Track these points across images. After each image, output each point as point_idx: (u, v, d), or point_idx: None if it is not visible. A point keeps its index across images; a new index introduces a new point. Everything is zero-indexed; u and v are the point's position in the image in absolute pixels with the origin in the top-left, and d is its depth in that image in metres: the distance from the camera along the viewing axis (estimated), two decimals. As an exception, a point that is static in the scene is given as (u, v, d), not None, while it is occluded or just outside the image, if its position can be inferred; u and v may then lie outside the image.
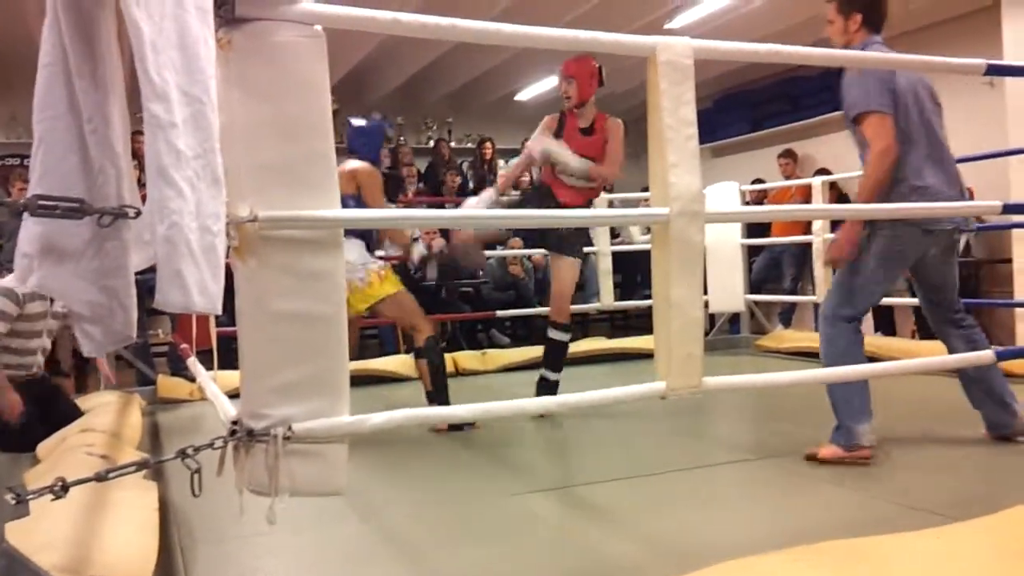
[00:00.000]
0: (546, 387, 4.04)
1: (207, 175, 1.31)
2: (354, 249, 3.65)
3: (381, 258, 3.86)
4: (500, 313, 6.47)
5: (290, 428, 1.45)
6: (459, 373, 5.66)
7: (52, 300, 3.89)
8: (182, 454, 1.38)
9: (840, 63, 2.27)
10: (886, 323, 6.72)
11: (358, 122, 3.97)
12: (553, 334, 4.09)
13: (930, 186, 2.86)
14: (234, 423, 1.48)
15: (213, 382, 2.32)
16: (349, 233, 3.63)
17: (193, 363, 3.29)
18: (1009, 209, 2.51)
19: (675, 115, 1.82)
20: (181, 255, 1.25)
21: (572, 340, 4.29)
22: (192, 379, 4.63)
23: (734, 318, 7.00)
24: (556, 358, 4.09)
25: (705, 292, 6.53)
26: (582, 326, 8.06)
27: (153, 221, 1.25)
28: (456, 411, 1.68)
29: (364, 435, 1.61)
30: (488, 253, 6.81)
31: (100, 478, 1.30)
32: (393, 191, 7.54)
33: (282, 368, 1.46)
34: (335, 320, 1.49)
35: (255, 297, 1.45)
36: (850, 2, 2.88)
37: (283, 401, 1.46)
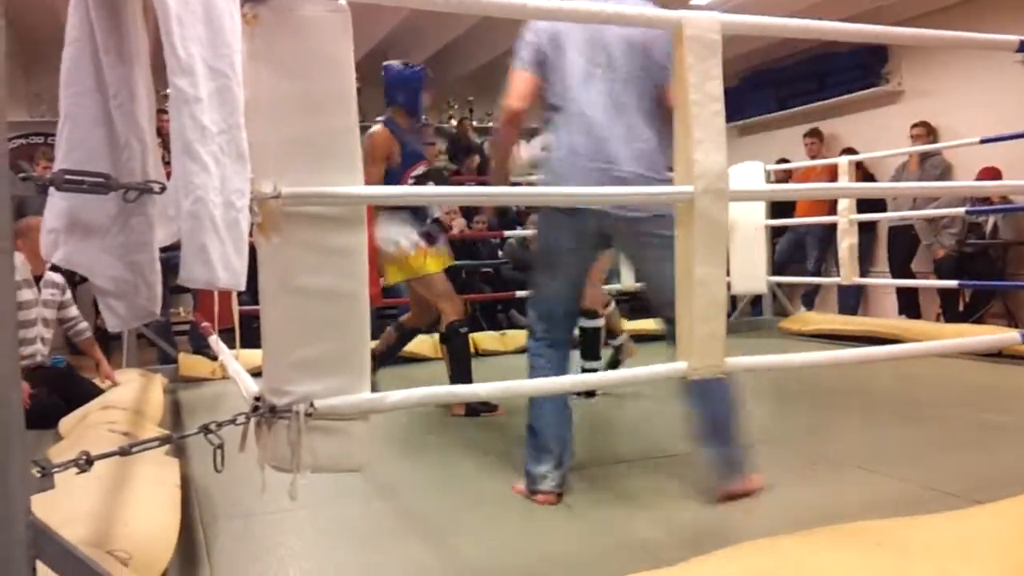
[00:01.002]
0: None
1: (232, 150, 1.31)
2: (396, 221, 3.66)
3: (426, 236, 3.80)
4: (520, 293, 6.46)
5: (312, 404, 1.45)
6: (479, 354, 5.68)
7: (40, 288, 3.96)
8: (205, 430, 1.38)
9: (870, 39, 2.22)
10: (911, 306, 6.65)
11: (400, 68, 3.82)
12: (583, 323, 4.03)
13: (560, 158, 2.43)
14: (256, 399, 1.48)
15: (235, 360, 2.33)
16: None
17: (215, 341, 3.31)
18: (1041, 189, 2.46)
19: (701, 90, 1.79)
20: (205, 230, 1.25)
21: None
22: (214, 357, 4.66)
23: (756, 300, 6.96)
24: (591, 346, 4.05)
25: (728, 273, 6.48)
26: (602, 307, 8.03)
27: (178, 196, 1.25)
28: (473, 390, 1.67)
29: (384, 413, 1.61)
30: (508, 233, 6.81)
31: (124, 452, 1.31)
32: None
33: (304, 345, 1.46)
34: (357, 297, 1.48)
35: (278, 273, 1.44)
36: None
37: (305, 377, 1.46)
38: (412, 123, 3.83)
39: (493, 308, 7.23)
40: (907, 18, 6.67)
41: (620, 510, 2.38)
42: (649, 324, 6.02)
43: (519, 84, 2.48)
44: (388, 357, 4.15)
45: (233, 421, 1.45)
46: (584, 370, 3.97)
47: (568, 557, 2.03)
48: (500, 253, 7.37)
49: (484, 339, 5.87)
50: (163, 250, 1.55)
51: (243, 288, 1.39)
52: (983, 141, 4.87)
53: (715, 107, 1.82)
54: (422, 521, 2.37)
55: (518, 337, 5.88)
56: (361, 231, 1.48)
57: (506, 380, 1.80)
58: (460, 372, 3.77)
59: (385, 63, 3.89)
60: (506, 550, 2.09)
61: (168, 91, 1.26)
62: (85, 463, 1.26)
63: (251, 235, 1.43)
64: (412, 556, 2.08)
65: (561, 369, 2.52)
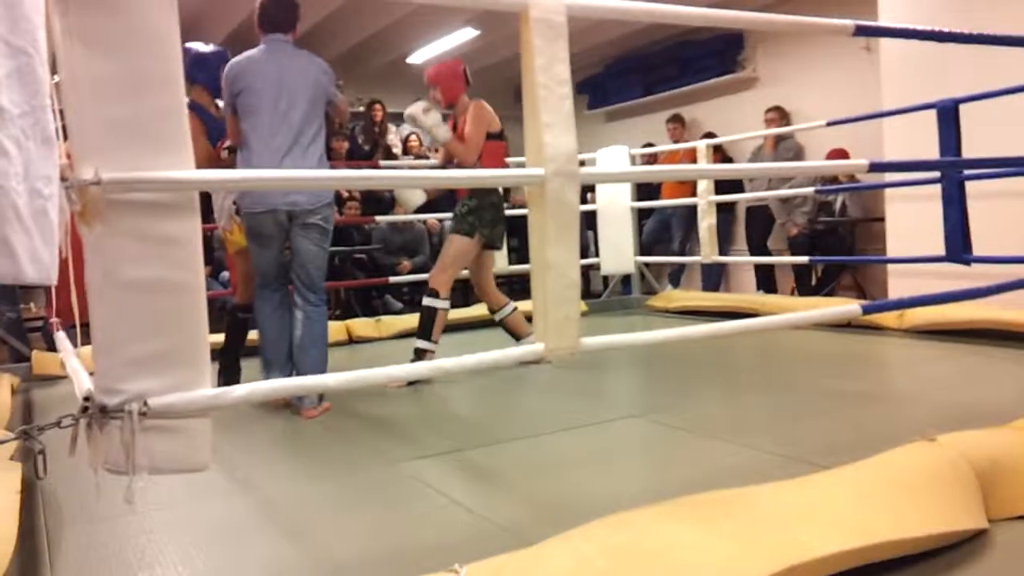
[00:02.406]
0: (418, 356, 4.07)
1: (36, 134, 1.21)
2: (221, 195, 3.81)
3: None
4: (393, 279, 6.40)
5: (146, 403, 1.37)
6: (353, 340, 5.62)
7: None
8: (24, 434, 1.29)
9: (711, 23, 2.28)
10: (768, 281, 6.97)
11: (200, 48, 3.90)
12: (425, 300, 4.13)
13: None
14: (86, 400, 1.39)
15: (75, 357, 2.19)
16: None
17: (60, 337, 3.12)
18: (875, 167, 2.59)
19: (548, 73, 1.79)
20: (7, 220, 1.15)
21: (467, 304, 4.37)
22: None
23: (626, 279, 7.13)
24: (425, 326, 4.10)
25: (597, 255, 6.61)
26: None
27: (-25, 184, 1.15)
28: (324, 380, 1.63)
29: (237, 409, 1.55)
30: (379, 218, 6.72)
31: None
32: None
33: (136, 340, 1.38)
34: (192, 288, 1.41)
35: (103, 265, 1.36)
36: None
37: (138, 375, 1.38)
38: (214, 101, 3.89)
39: (367, 294, 7.13)
40: (763, 5, 6.94)
41: (482, 492, 2.39)
42: (529, 306, 6.09)
43: (229, 126, 3.54)
44: (231, 350, 3.96)
45: (58, 424, 1.36)
46: (415, 349, 4.04)
47: (431, 542, 2.02)
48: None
49: (358, 325, 5.78)
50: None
51: (54, 282, 1.30)
52: (829, 124, 5.13)
53: (563, 90, 1.83)
54: (284, 516, 2.31)
55: (393, 323, 5.82)
56: (193, 218, 1.41)
57: (379, 366, 1.76)
58: (225, 355, 3.89)
59: (185, 44, 3.93)
60: (370, 540, 2.06)
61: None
62: None
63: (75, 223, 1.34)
64: (272, 552, 2.02)
65: (281, 306, 3.61)
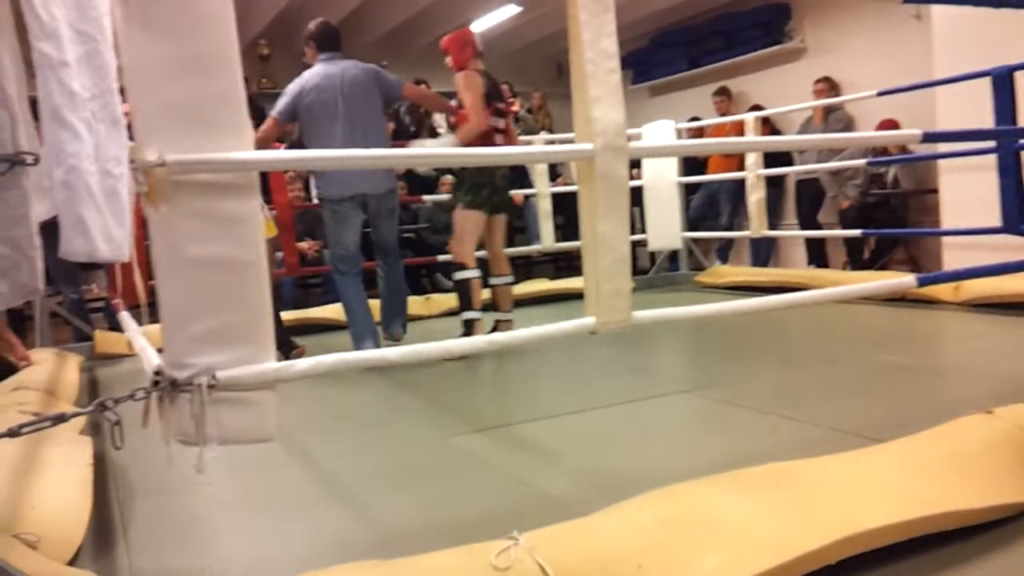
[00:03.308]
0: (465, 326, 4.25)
1: (106, 116, 1.26)
2: None
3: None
4: (442, 257, 6.44)
5: (214, 377, 1.42)
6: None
7: None
8: (100, 407, 1.35)
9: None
10: (819, 256, 6.87)
11: None
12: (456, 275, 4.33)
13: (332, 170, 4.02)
14: (157, 374, 1.45)
15: (141, 335, 2.27)
16: None
17: (124, 316, 3.22)
18: (928, 138, 2.55)
19: (596, 47, 1.80)
20: (81, 200, 1.20)
21: (515, 283, 4.56)
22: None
23: (673, 255, 7.09)
24: (463, 297, 4.27)
25: (644, 231, 6.58)
26: (525, 268, 8.07)
27: (50, 166, 1.20)
28: (384, 354, 1.67)
29: (301, 381, 1.59)
30: (426, 197, 6.77)
31: (12, 434, 1.27)
32: None
33: (203, 316, 1.43)
34: (255, 265, 1.46)
35: (170, 244, 1.41)
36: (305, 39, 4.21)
37: (206, 349, 1.43)
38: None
39: (416, 273, 7.19)
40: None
41: (533, 464, 2.42)
42: (575, 282, 6.10)
43: (268, 125, 4.12)
44: (277, 329, 4.35)
45: (132, 397, 1.42)
46: (463, 321, 4.20)
47: (486, 513, 2.06)
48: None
49: (408, 304, 5.84)
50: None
51: (126, 259, 1.35)
52: (880, 94, 5.02)
53: (610, 64, 1.83)
54: (345, 486, 2.37)
55: (442, 301, 5.87)
56: (254, 197, 1.45)
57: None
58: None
59: None
60: (427, 510, 2.11)
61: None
62: (-27, 447, 1.22)
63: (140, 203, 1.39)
64: (332, 522, 2.08)
65: (360, 284, 4.18)
